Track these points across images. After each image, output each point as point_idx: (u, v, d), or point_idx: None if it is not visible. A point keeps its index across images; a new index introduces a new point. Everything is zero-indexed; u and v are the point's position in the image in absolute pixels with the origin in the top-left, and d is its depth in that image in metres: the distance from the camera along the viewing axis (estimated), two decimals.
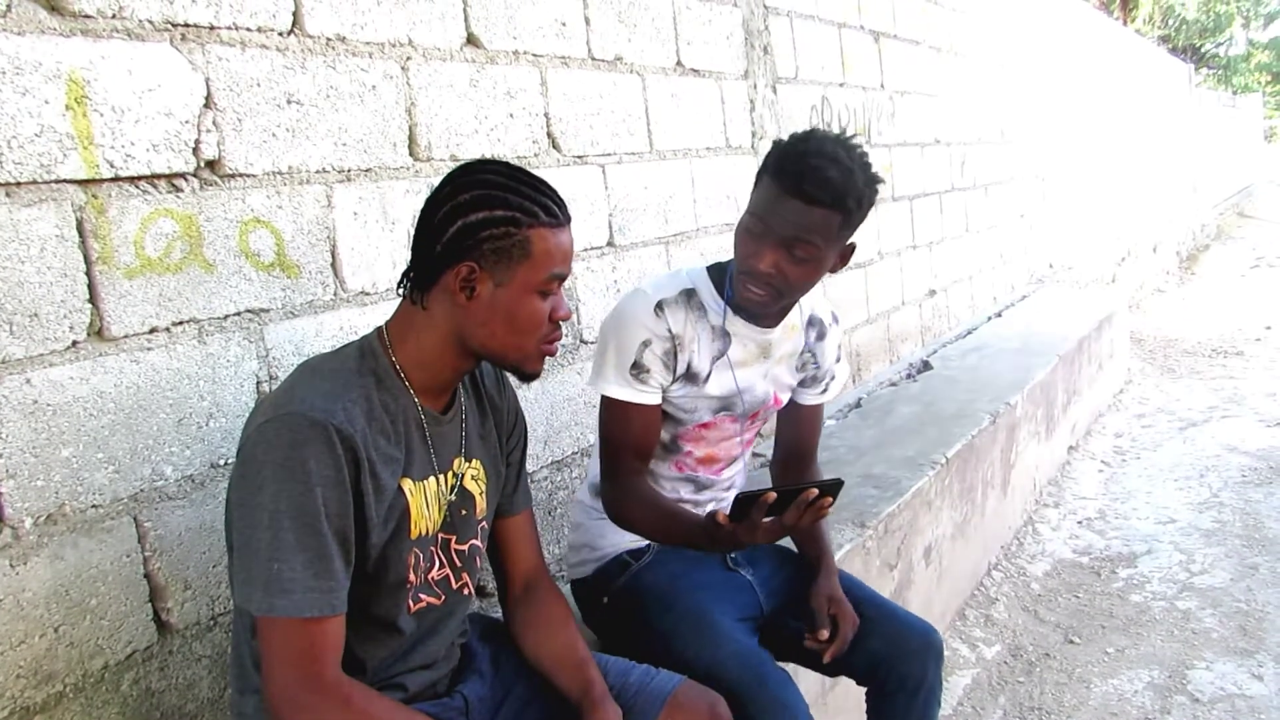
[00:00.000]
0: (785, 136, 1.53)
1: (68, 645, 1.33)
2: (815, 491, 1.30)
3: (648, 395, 1.61)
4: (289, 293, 1.66)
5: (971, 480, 3.18)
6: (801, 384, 1.79)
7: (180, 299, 1.48)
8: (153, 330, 1.44)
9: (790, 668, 1.91)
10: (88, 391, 1.36)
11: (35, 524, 1.30)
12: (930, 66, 4.72)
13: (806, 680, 2.05)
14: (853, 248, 1.59)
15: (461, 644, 1.44)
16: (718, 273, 1.66)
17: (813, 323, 1.77)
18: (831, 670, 1.79)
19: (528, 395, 2.15)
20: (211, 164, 1.53)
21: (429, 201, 1.24)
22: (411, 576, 1.26)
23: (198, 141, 1.51)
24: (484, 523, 1.39)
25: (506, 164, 1.27)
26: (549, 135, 2.26)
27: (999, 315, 5.39)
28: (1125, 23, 18.21)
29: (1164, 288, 10.42)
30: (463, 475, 1.35)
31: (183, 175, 1.49)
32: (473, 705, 1.37)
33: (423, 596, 1.31)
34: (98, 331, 1.37)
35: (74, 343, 1.34)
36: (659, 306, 1.59)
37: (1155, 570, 3.34)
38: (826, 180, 1.44)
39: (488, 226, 1.19)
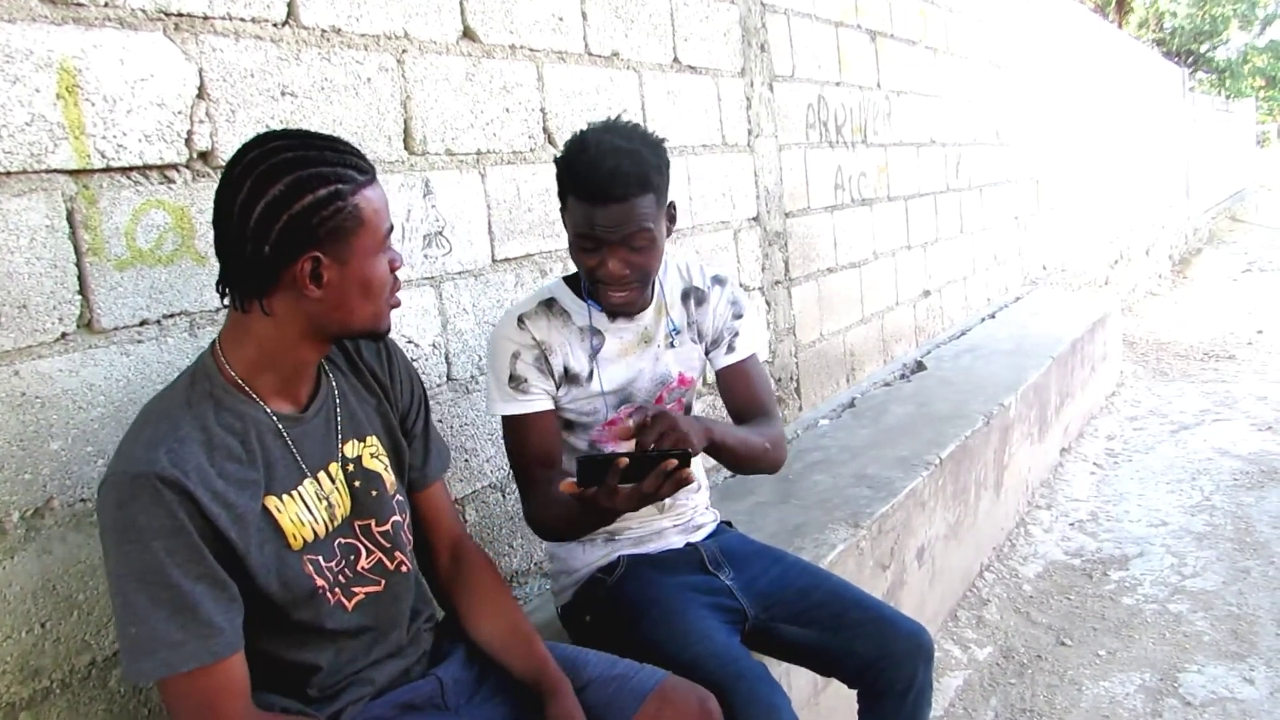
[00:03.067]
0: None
1: (54, 641, 1.31)
2: (675, 462, 1.32)
3: (534, 403, 1.64)
4: None
5: (965, 481, 3.18)
6: (711, 350, 1.82)
7: (172, 291, 1.46)
8: (144, 323, 1.43)
9: (783, 668, 1.91)
10: (77, 384, 1.34)
11: (22, 518, 1.28)
12: (927, 67, 4.72)
13: (798, 681, 2.04)
14: (673, 206, 1.63)
15: (431, 630, 1.42)
16: (574, 279, 1.71)
17: (688, 294, 1.79)
18: (822, 671, 1.79)
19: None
20: (204, 155, 1.52)
21: (226, 202, 1.12)
22: (319, 581, 1.22)
23: (190, 132, 1.50)
24: (398, 496, 1.36)
25: (290, 133, 1.18)
26: (545, 130, 2.24)
27: (993, 316, 5.39)
28: (1120, 26, 18.25)
29: (1156, 291, 10.45)
30: (359, 457, 1.31)
31: (175, 166, 1.47)
32: (448, 687, 1.35)
33: (357, 590, 1.27)
34: (87, 323, 1.36)
35: (63, 334, 1.33)
36: (520, 320, 1.65)
37: (1147, 573, 3.34)
38: (626, 175, 1.48)
39: (316, 211, 1.11)
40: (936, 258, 4.84)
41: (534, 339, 1.64)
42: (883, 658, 1.67)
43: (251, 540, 1.14)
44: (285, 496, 1.20)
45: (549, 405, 1.66)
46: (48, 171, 1.31)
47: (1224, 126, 19.97)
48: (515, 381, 1.63)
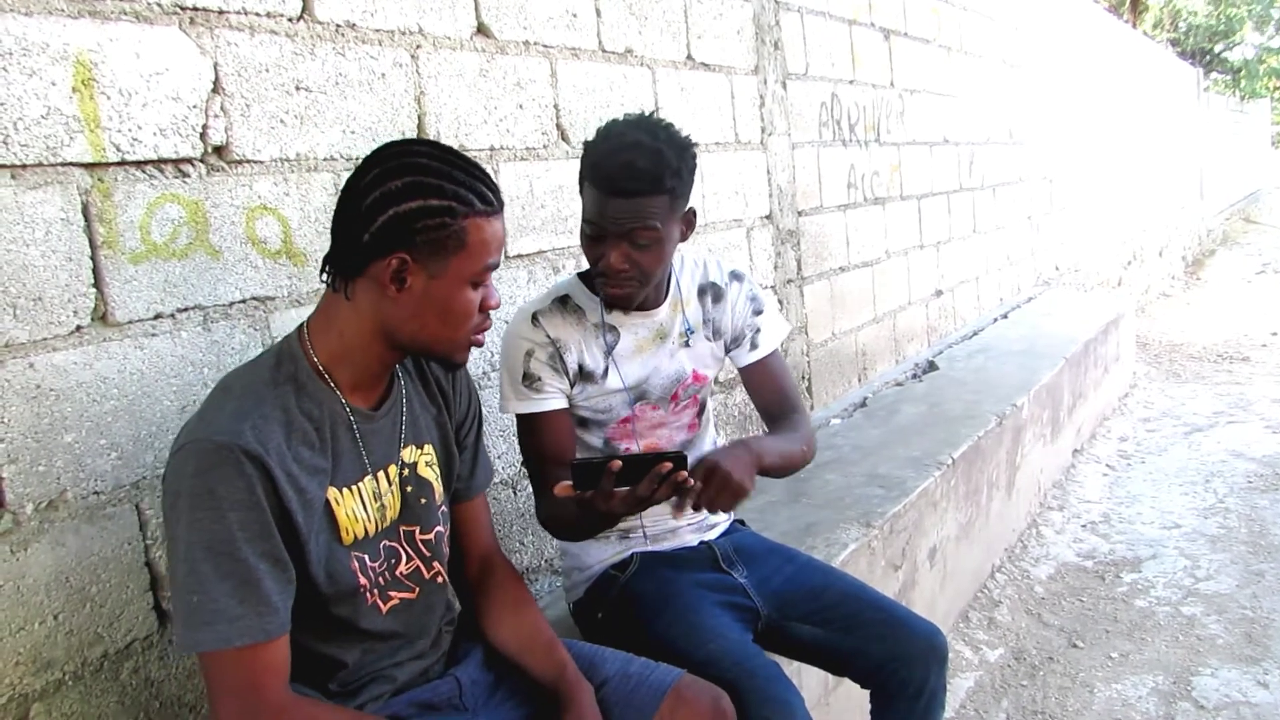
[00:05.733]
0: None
1: (67, 633, 1.31)
2: (669, 465, 1.29)
3: (547, 402, 1.63)
4: (295, 281, 1.64)
5: (977, 481, 3.17)
6: (732, 348, 1.80)
7: (186, 285, 1.47)
8: (158, 316, 1.43)
9: (794, 668, 1.90)
10: (91, 377, 1.34)
11: (36, 510, 1.29)
12: (940, 65, 4.70)
13: (808, 681, 2.04)
14: (693, 213, 1.62)
15: (451, 631, 1.42)
16: (589, 275, 1.69)
17: (705, 290, 1.77)
18: (835, 671, 1.78)
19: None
20: (219, 150, 1.52)
21: (351, 185, 1.17)
22: (361, 580, 1.23)
23: (205, 127, 1.50)
24: (443, 507, 1.37)
25: (436, 144, 1.21)
26: (558, 127, 2.24)
27: (1005, 316, 5.37)
28: (1134, 25, 18.14)
29: (1170, 292, 10.39)
30: (415, 463, 1.32)
31: (190, 160, 1.47)
32: (465, 687, 1.35)
33: (393, 594, 1.28)
34: (102, 316, 1.36)
35: (78, 327, 1.33)
36: (534, 318, 1.64)
37: (1160, 575, 3.32)
38: (639, 171, 1.47)
39: (422, 217, 1.14)
40: (949, 257, 4.82)
41: (548, 336, 1.63)
42: (896, 658, 1.66)
43: (313, 526, 1.15)
44: (345, 490, 1.21)
45: (563, 404, 1.65)
46: (63, 165, 1.31)
47: (1238, 127, 19.85)
48: (529, 380, 1.62)
